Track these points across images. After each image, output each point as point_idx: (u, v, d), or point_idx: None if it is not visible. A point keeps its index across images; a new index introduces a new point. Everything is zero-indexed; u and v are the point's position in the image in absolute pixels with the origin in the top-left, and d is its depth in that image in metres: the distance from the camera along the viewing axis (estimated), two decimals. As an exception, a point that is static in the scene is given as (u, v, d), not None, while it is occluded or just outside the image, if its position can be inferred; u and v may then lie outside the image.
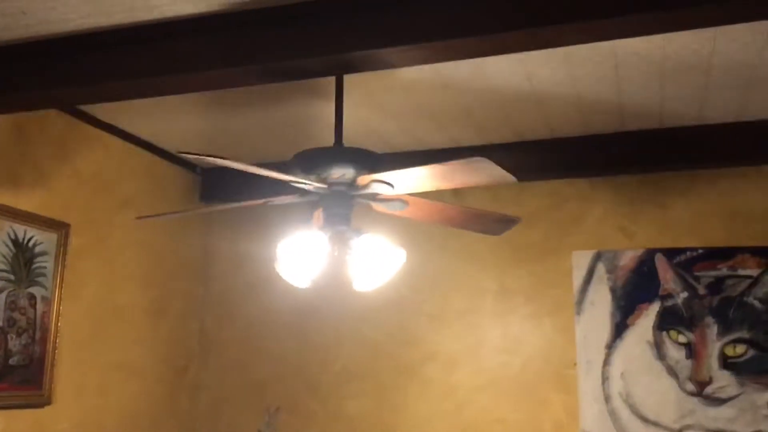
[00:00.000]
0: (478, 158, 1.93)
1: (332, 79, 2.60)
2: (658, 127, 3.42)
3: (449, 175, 2.15)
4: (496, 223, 2.72)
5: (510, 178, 2.03)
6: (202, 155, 1.93)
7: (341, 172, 2.31)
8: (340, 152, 2.42)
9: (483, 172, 2.07)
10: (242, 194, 4.10)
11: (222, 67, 2.32)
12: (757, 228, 3.45)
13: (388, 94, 3.11)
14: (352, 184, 2.34)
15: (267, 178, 2.27)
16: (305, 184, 2.33)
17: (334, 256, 2.45)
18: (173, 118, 3.50)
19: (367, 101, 3.18)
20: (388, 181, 2.20)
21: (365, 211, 2.60)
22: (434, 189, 2.34)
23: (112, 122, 3.55)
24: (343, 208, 2.38)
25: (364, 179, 2.27)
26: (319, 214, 2.53)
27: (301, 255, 2.41)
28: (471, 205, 3.28)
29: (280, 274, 2.47)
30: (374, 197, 2.41)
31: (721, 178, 3.54)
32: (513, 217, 2.69)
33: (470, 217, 2.66)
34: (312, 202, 2.49)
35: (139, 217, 3.05)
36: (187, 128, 3.62)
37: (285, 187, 2.47)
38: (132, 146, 3.74)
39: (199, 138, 3.75)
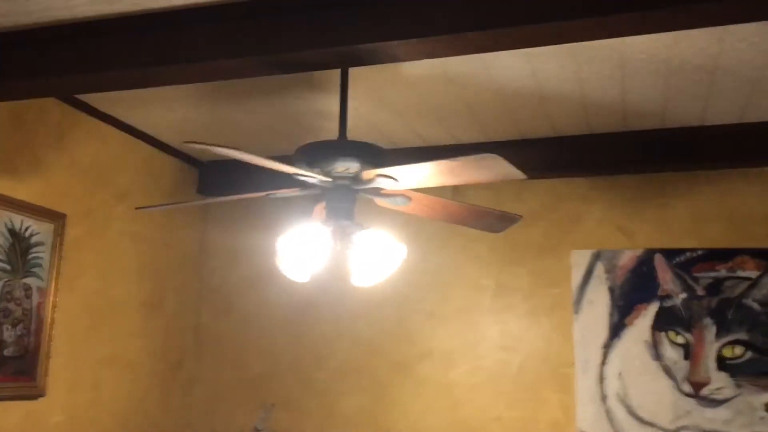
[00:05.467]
0: (489, 155, 1.91)
1: (337, 73, 2.58)
2: (660, 127, 3.42)
3: (457, 171, 2.12)
4: (497, 221, 2.70)
5: (519, 174, 2.00)
6: (208, 145, 1.90)
7: (345, 166, 2.28)
8: (345, 146, 2.39)
9: (492, 169, 2.05)
10: (240, 187, 4.06)
11: (224, 57, 2.29)
12: (757, 230, 3.45)
13: (392, 89, 3.09)
14: (356, 178, 2.31)
15: (266, 171, 2.24)
16: (309, 177, 2.30)
17: (335, 251, 2.43)
18: (172, 110, 3.46)
19: (371, 96, 3.16)
20: (393, 176, 2.18)
21: (364, 206, 2.58)
22: (440, 185, 2.32)
23: (111, 112, 3.52)
24: (347, 203, 2.35)
25: (368, 174, 2.25)
26: (320, 208, 2.50)
27: (302, 249, 2.38)
28: (473, 203, 3.26)
29: (280, 268, 2.44)
30: (378, 192, 2.39)
31: (721, 179, 3.54)
32: (513, 215, 2.67)
33: (472, 214, 2.65)
34: (314, 195, 2.47)
35: (138, 208, 3.01)
36: (186, 120, 3.59)
37: (286, 181, 2.43)
38: (130, 137, 3.71)
39: (198, 130, 3.71)
